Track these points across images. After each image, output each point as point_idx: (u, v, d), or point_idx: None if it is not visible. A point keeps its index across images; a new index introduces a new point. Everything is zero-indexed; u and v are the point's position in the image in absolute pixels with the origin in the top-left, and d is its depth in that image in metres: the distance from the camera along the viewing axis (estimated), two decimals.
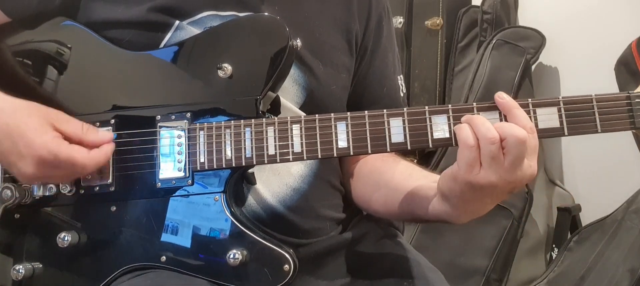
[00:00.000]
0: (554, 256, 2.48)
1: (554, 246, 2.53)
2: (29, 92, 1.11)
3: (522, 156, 0.95)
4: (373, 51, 1.32)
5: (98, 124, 1.12)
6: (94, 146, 1.06)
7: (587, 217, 2.52)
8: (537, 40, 2.65)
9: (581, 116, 1.01)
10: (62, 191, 1.11)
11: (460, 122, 1.00)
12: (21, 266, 1.10)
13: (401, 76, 1.39)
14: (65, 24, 1.19)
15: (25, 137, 1.01)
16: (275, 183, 1.18)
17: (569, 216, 2.52)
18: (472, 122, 0.98)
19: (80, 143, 1.05)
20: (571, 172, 2.65)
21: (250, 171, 1.14)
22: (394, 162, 1.27)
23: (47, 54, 1.18)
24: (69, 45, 1.17)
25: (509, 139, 0.94)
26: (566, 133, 1.01)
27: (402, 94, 1.37)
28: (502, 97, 1.00)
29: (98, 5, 1.19)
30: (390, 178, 1.23)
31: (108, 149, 1.08)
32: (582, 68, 2.54)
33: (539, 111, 1.01)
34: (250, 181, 1.15)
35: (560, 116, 1.01)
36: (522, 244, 2.44)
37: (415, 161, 2.52)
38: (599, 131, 1.01)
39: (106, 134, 1.09)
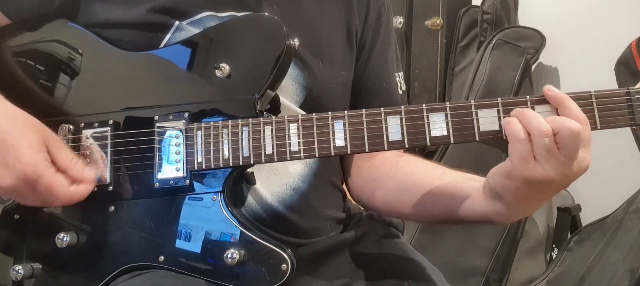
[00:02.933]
0: (554, 256, 2.48)
1: (554, 246, 2.53)
2: (29, 94, 1.12)
3: (577, 148, 0.93)
4: (371, 46, 1.32)
5: (97, 124, 1.12)
6: (76, 181, 1.04)
7: (587, 217, 2.52)
8: (537, 40, 2.65)
9: None
10: None
11: (509, 116, 0.98)
12: (20, 267, 1.10)
13: (401, 73, 1.39)
14: (64, 25, 1.19)
15: (18, 149, 0.99)
16: (275, 183, 1.18)
17: (569, 216, 2.53)
18: (522, 116, 0.96)
19: (64, 172, 1.03)
20: None
21: (249, 170, 1.14)
22: (416, 162, 1.26)
23: (47, 56, 1.18)
24: (69, 47, 1.17)
25: (562, 131, 0.92)
26: None
27: (401, 91, 1.36)
28: (551, 90, 0.98)
29: (98, 7, 1.19)
30: (419, 179, 1.21)
31: (87, 189, 1.06)
32: (582, 68, 2.54)
33: (538, 108, 0.99)
34: (250, 180, 1.15)
35: (559, 113, 0.99)
36: (522, 244, 2.44)
37: None
38: (599, 127, 0.99)
39: (90, 173, 1.07)
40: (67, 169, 1.04)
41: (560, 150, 0.93)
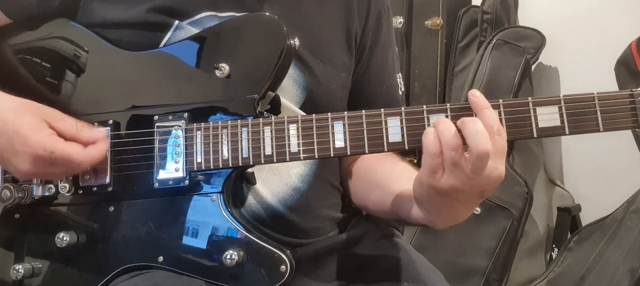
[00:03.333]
0: (554, 256, 2.48)
1: (554, 246, 2.53)
2: (28, 93, 1.11)
3: (484, 163, 0.93)
4: (372, 49, 1.32)
5: (96, 124, 1.12)
6: (89, 143, 1.07)
7: (587, 217, 2.52)
8: (537, 40, 2.65)
9: (583, 115, 0.98)
10: (61, 191, 1.11)
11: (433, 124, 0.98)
12: (21, 266, 1.11)
13: (400, 74, 1.39)
14: (65, 24, 1.19)
15: (20, 134, 1.02)
16: (275, 183, 1.18)
17: (569, 216, 2.52)
18: (437, 126, 0.96)
19: (74, 140, 1.06)
20: (571, 172, 2.65)
21: (249, 170, 1.14)
22: (390, 162, 1.27)
23: (47, 55, 1.18)
24: (69, 46, 1.17)
25: (471, 147, 0.92)
26: (567, 132, 0.99)
27: (400, 93, 1.37)
28: (475, 96, 0.98)
29: (97, 6, 1.19)
30: (383, 179, 1.23)
31: (103, 146, 1.08)
32: (582, 68, 2.54)
33: (539, 109, 0.99)
34: (250, 181, 1.15)
35: (561, 115, 0.99)
36: (522, 244, 2.44)
37: (415, 161, 2.52)
38: (601, 129, 0.98)
39: (100, 131, 1.10)
40: (75, 135, 1.06)
41: (467, 163, 0.93)
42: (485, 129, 0.93)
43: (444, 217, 1.04)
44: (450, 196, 0.97)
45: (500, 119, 0.99)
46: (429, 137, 0.96)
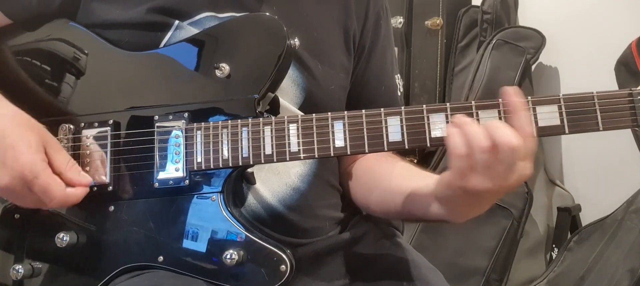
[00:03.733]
0: (554, 256, 2.48)
1: (554, 246, 2.53)
2: (29, 93, 1.12)
3: (515, 163, 0.93)
4: (371, 50, 1.32)
5: (97, 124, 1.12)
6: (71, 184, 1.05)
7: (587, 217, 2.52)
8: (537, 40, 2.65)
9: (582, 114, 0.99)
10: None
11: (450, 125, 0.97)
12: (20, 266, 1.11)
13: (398, 74, 1.39)
14: (65, 25, 1.19)
15: (16, 148, 1.00)
16: (275, 183, 1.18)
17: (569, 216, 2.52)
18: (464, 129, 0.95)
19: (59, 174, 1.04)
20: (571, 172, 2.65)
21: (249, 170, 1.14)
22: (391, 162, 1.27)
23: (47, 56, 1.18)
24: (69, 47, 1.18)
25: (502, 147, 0.92)
26: (567, 131, 0.99)
27: (399, 93, 1.37)
28: (510, 95, 0.97)
29: (97, 7, 1.19)
30: (387, 179, 1.23)
31: (82, 193, 1.06)
32: (582, 68, 2.54)
33: (539, 109, 0.99)
34: (250, 180, 1.15)
35: (560, 114, 0.99)
36: (522, 244, 2.44)
37: (415, 161, 2.53)
38: (601, 128, 0.98)
39: (86, 178, 1.08)
40: (63, 171, 1.04)
41: (499, 163, 0.93)
42: (518, 130, 0.93)
43: (468, 213, 1.05)
44: (481, 196, 0.97)
45: (500, 118, 0.99)
46: (455, 139, 0.95)
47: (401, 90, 1.38)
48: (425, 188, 1.11)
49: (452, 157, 0.96)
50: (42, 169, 1.01)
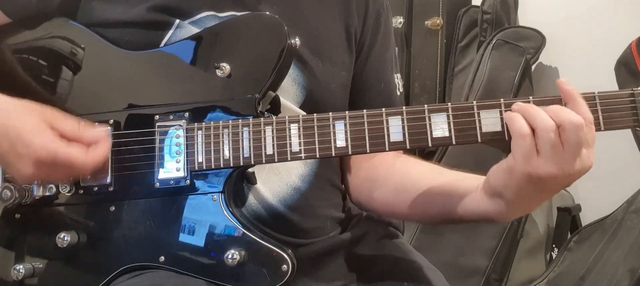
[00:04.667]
0: (554, 256, 2.48)
1: (554, 246, 2.53)
2: (28, 93, 1.11)
3: (580, 144, 0.93)
4: (370, 47, 1.32)
5: (97, 124, 1.12)
6: (92, 144, 1.06)
7: (587, 217, 2.52)
8: (537, 40, 2.65)
9: None
10: (61, 191, 1.11)
11: (511, 111, 0.98)
12: (21, 266, 1.10)
13: (399, 74, 1.39)
14: (65, 24, 1.19)
15: (23, 137, 1.01)
16: (276, 183, 1.18)
17: (569, 216, 2.53)
18: (526, 111, 0.95)
19: (77, 140, 1.05)
20: None
21: (250, 170, 1.14)
22: (414, 162, 1.27)
23: (47, 55, 1.18)
24: (68, 46, 1.17)
25: (567, 125, 0.92)
26: None
27: (399, 93, 1.36)
28: (566, 84, 0.97)
29: (98, 5, 1.19)
30: (418, 179, 1.21)
31: (105, 146, 1.07)
32: (582, 68, 2.54)
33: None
34: (251, 180, 1.15)
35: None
36: (522, 244, 2.44)
37: None
38: (602, 128, 0.99)
39: (102, 130, 1.09)
40: (78, 137, 1.05)
41: (564, 145, 0.93)
42: (581, 115, 0.94)
43: (524, 207, 1.03)
44: (544, 183, 0.96)
45: (502, 118, 0.99)
46: (518, 120, 0.95)
47: (401, 89, 1.38)
48: (465, 184, 1.10)
49: (515, 139, 0.95)
50: (56, 146, 1.01)
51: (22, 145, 1.01)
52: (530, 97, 1.00)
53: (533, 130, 0.95)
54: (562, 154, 0.93)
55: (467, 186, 1.10)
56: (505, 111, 1.00)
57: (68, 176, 1.08)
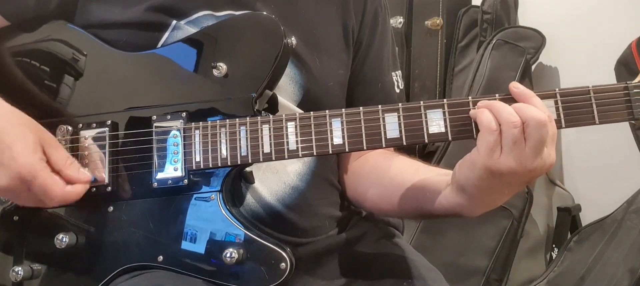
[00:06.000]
0: (554, 256, 2.47)
1: (554, 246, 2.53)
2: (27, 95, 1.12)
3: (543, 141, 0.94)
4: (368, 46, 1.32)
5: (95, 124, 1.12)
6: (70, 182, 1.05)
7: (587, 217, 2.52)
8: (537, 40, 2.65)
9: (578, 108, 1.00)
10: None
11: (477, 107, 1.00)
12: (20, 268, 1.10)
13: (398, 71, 1.39)
14: (63, 26, 1.19)
15: (13, 149, 1.00)
16: (274, 182, 1.18)
17: (569, 216, 2.52)
18: (493, 107, 0.97)
19: (59, 172, 1.04)
20: (571, 172, 2.65)
21: (248, 169, 1.14)
22: (397, 159, 1.27)
23: (45, 57, 1.18)
24: (66, 48, 1.17)
25: (530, 122, 0.94)
26: (563, 125, 1.00)
27: (398, 91, 1.37)
28: (517, 87, 0.99)
29: (95, 7, 1.19)
30: (395, 174, 1.22)
31: (82, 190, 1.06)
32: (582, 68, 2.54)
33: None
34: (249, 179, 1.15)
35: (557, 109, 1.00)
36: (522, 244, 2.44)
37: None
38: (597, 122, 1.00)
39: (85, 175, 1.08)
40: (62, 169, 1.04)
41: (526, 141, 0.94)
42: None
43: (486, 202, 1.04)
44: (504, 178, 0.97)
45: None
46: (485, 115, 0.97)
47: (401, 87, 1.38)
48: (437, 180, 1.11)
49: (482, 132, 0.97)
50: (40, 169, 1.01)
51: (8, 156, 1.00)
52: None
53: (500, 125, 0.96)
54: (524, 150, 0.94)
55: (439, 182, 1.11)
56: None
57: (35, 202, 1.05)
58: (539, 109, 0.96)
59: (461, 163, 1.02)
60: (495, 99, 1.01)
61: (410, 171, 1.21)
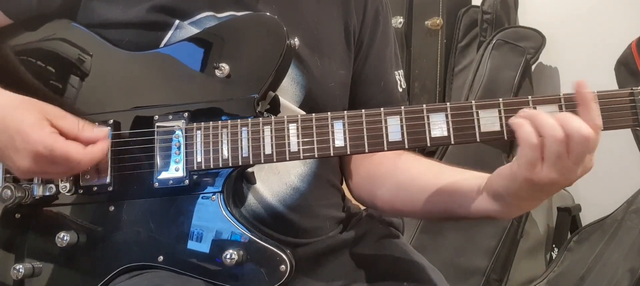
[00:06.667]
0: (554, 256, 2.48)
1: (554, 246, 2.53)
2: (30, 94, 1.12)
3: (585, 154, 0.93)
4: (369, 45, 1.32)
5: (97, 124, 1.12)
6: (90, 143, 1.07)
7: (587, 217, 2.52)
8: (537, 40, 2.65)
9: None
10: (61, 190, 1.11)
11: (518, 117, 0.97)
12: (21, 266, 1.10)
13: (401, 71, 1.38)
14: (67, 25, 1.19)
15: (22, 132, 1.02)
16: (275, 182, 1.18)
17: (569, 216, 2.52)
18: (535, 119, 0.95)
19: (76, 139, 1.06)
20: None
21: (249, 170, 1.14)
22: (414, 159, 1.26)
23: (48, 56, 1.18)
24: (70, 47, 1.17)
25: (575, 136, 0.92)
26: None
27: (400, 90, 1.36)
28: (582, 87, 0.96)
29: (98, 6, 1.19)
30: (416, 176, 1.21)
31: (103, 146, 1.08)
32: (582, 68, 2.54)
33: (539, 108, 0.98)
34: (250, 180, 1.15)
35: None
36: (522, 244, 2.44)
37: None
38: (602, 128, 0.97)
39: (102, 130, 1.10)
40: (76, 134, 1.06)
41: (569, 154, 0.93)
42: (589, 124, 0.93)
43: (524, 207, 1.04)
44: (544, 188, 0.96)
45: (500, 117, 0.99)
46: (526, 129, 0.95)
47: (404, 86, 1.37)
48: (467, 184, 1.10)
49: (523, 147, 0.95)
50: (54, 140, 1.02)
51: (20, 139, 1.02)
52: (529, 97, 0.99)
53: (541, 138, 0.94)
54: (566, 163, 0.93)
55: (469, 187, 1.10)
56: (505, 110, 0.99)
57: (66, 172, 1.09)
58: (589, 120, 0.93)
59: (499, 173, 1.01)
60: (528, 104, 0.98)
61: (433, 173, 1.20)
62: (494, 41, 2.63)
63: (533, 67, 2.69)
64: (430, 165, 1.25)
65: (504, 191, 1.01)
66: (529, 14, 2.85)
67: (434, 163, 1.26)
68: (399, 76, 1.37)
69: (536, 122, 0.94)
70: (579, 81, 0.97)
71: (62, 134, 1.05)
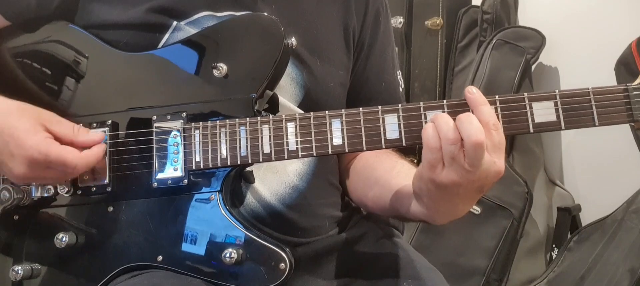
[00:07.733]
0: (554, 256, 2.47)
1: (554, 246, 2.53)
2: (28, 95, 1.12)
3: (480, 157, 0.93)
4: (370, 46, 1.32)
5: (95, 125, 1.12)
6: (85, 147, 1.07)
7: (587, 217, 2.52)
8: (537, 40, 2.65)
9: (578, 110, 0.99)
10: (59, 192, 1.11)
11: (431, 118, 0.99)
12: (20, 267, 1.11)
13: (400, 71, 1.39)
14: (64, 27, 1.19)
15: (16, 137, 1.02)
16: (274, 181, 1.18)
17: (569, 216, 2.52)
18: (436, 121, 0.97)
19: (71, 143, 1.06)
20: (571, 172, 2.65)
21: (248, 169, 1.14)
22: (391, 159, 1.27)
23: (47, 58, 1.18)
24: (67, 49, 1.18)
25: (466, 140, 0.93)
26: (563, 127, 0.99)
27: (401, 90, 1.37)
28: (472, 92, 0.98)
29: (96, 7, 1.19)
30: (384, 176, 1.23)
31: (99, 150, 1.08)
32: (582, 68, 2.54)
33: (535, 105, 0.99)
34: (249, 179, 1.15)
35: (557, 110, 0.99)
36: (522, 244, 2.44)
37: (416, 161, 2.52)
38: (597, 124, 0.99)
39: (97, 134, 1.09)
40: (72, 139, 1.06)
41: (465, 157, 0.94)
42: (482, 124, 0.94)
43: (443, 212, 1.04)
44: (450, 190, 0.97)
45: (497, 115, 0.99)
46: (428, 132, 0.96)
47: (402, 86, 1.38)
48: (408, 186, 1.11)
49: (424, 149, 0.97)
50: (48, 145, 1.03)
51: (15, 145, 1.02)
52: (525, 94, 1.00)
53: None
54: (463, 165, 0.94)
55: (408, 189, 1.10)
56: (500, 107, 1.00)
57: (61, 177, 1.09)
58: (482, 120, 0.94)
59: (415, 174, 1.03)
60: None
61: (393, 174, 1.21)
62: (494, 41, 2.63)
63: (533, 67, 2.68)
64: (391, 165, 1.26)
65: (418, 192, 1.03)
66: (529, 14, 2.84)
67: (395, 162, 1.27)
68: (399, 76, 1.38)
69: (436, 125, 0.96)
70: (467, 88, 0.99)
71: (57, 139, 1.05)
